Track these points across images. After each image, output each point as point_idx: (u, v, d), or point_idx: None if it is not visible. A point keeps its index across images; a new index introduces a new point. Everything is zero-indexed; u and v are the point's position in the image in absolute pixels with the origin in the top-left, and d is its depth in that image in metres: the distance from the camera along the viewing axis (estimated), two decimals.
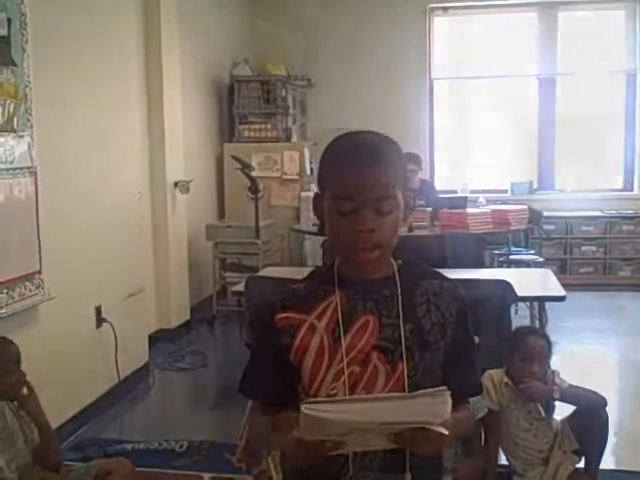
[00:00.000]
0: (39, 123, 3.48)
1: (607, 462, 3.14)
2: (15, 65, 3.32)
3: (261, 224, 6.03)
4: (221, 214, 6.98)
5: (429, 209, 5.30)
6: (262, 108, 7.08)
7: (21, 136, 3.36)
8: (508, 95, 8.08)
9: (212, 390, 5.01)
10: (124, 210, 4.55)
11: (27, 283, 3.44)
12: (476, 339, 1.59)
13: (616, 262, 7.35)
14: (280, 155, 6.80)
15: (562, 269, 7.16)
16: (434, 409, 1.28)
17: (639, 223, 7.32)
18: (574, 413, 2.96)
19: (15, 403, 2.64)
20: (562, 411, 3.01)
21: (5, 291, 3.27)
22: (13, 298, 3.32)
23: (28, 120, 3.41)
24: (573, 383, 2.92)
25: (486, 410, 2.90)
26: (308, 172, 6.83)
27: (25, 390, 2.66)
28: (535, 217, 5.72)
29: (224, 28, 7.06)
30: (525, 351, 2.89)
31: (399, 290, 1.44)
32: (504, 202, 6.46)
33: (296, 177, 6.80)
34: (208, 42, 6.60)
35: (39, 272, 3.51)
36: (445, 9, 7.88)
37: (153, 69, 5.37)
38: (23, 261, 3.42)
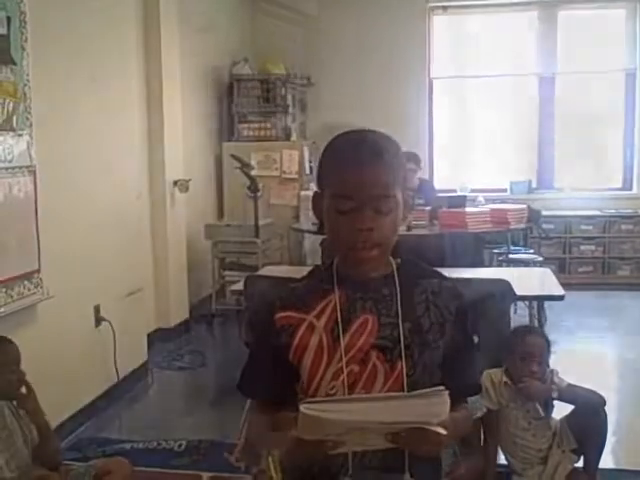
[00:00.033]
0: (38, 122, 3.48)
1: (606, 461, 3.13)
2: (14, 64, 3.31)
3: (260, 223, 6.02)
4: (220, 213, 6.97)
5: (428, 208, 5.30)
6: (261, 107, 7.08)
7: (20, 135, 3.36)
8: (507, 94, 8.07)
9: (211, 389, 5.00)
10: (123, 209, 4.55)
11: (26, 282, 3.43)
12: (475, 338, 1.60)
13: (615, 261, 7.35)
14: (279, 154, 6.79)
15: (561, 268, 7.15)
16: (432, 409, 1.28)
17: (638, 222, 7.32)
18: (573, 412, 2.96)
19: (14, 402, 2.64)
20: (561, 410, 3.01)
21: (4, 290, 3.26)
22: (12, 297, 3.32)
23: (27, 119, 3.41)
24: (572, 382, 2.92)
25: (485, 409, 2.90)
26: (307, 171, 6.82)
27: (24, 389, 2.65)
28: (534, 216, 5.72)
29: (224, 27, 7.05)
30: (524, 350, 2.89)
31: (398, 289, 1.44)
32: (503, 201, 6.45)
33: (295, 176, 6.79)
34: (208, 41, 6.59)
35: (38, 271, 3.51)
36: (445, 8, 7.88)
37: (153, 68, 5.37)
38: (22, 260, 3.42)
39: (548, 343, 2.96)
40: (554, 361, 3.04)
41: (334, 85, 7.66)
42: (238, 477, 3.26)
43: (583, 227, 7.36)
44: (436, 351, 1.44)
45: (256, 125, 7.02)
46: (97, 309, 4.21)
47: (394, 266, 1.47)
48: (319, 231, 1.47)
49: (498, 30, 7.96)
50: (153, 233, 5.45)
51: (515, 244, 6.43)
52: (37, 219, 3.48)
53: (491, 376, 2.95)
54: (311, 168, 6.80)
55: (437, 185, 7.06)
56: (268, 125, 7.02)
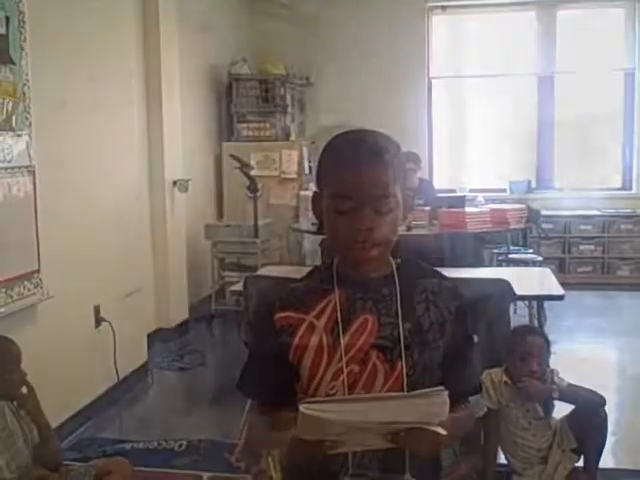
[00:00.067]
0: (37, 122, 3.48)
1: (606, 461, 3.13)
2: (13, 63, 3.31)
3: (260, 223, 6.03)
4: (220, 213, 6.97)
5: (428, 208, 5.30)
6: (261, 107, 7.08)
7: (19, 135, 3.36)
8: (507, 94, 8.07)
9: (211, 389, 5.00)
10: (123, 209, 4.55)
11: (26, 282, 3.43)
12: (475, 338, 1.60)
13: (614, 261, 7.35)
14: (279, 154, 6.79)
15: (561, 268, 7.16)
16: (432, 409, 1.28)
17: (637, 222, 7.32)
18: (573, 412, 2.96)
19: (15, 403, 2.64)
20: (561, 410, 3.01)
21: (4, 290, 3.26)
22: (12, 297, 3.32)
23: (26, 119, 3.41)
24: (572, 382, 2.93)
25: (485, 409, 2.91)
26: (307, 171, 6.82)
27: (25, 389, 2.66)
28: (534, 216, 5.72)
29: (223, 27, 7.04)
30: (524, 350, 2.89)
31: (398, 289, 1.44)
32: (502, 201, 6.46)
33: (295, 176, 6.79)
34: (207, 41, 6.59)
35: (37, 271, 3.51)
36: (444, 8, 7.88)
37: (152, 68, 5.37)
38: (21, 260, 3.42)
39: (548, 343, 2.96)
40: (554, 361, 3.04)
41: (333, 85, 7.67)
42: (238, 477, 3.26)
43: (582, 227, 7.36)
44: (436, 351, 1.44)
45: (255, 125, 7.03)
46: (97, 309, 4.21)
47: (394, 266, 1.47)
48: (318, 231, 1.46)
49: (497, 30, 7.96)
50: (153, 233, 5.45)
51: (515, 244, 6.43)
52: (37, 219, 3.48)
53: (491, 376, 2.95)
54: (310, 168, 6.80)
55: (437, 185, 7.06)
56: (267, 125, 7.02)
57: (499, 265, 6.04)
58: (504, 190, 7.68)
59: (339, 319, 1.42)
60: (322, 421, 1.25)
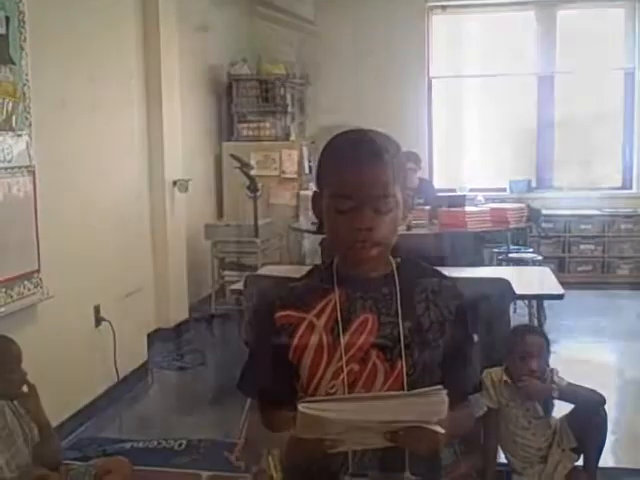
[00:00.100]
0: (37, 122, 3.48)
1: (606, 460, 3.14)
2: (13, 63, 3.31)
3: (260, 223, 6.02)
4: (220, 213, 6.97)
5: (428, 208, 5.31)
6: (260, 107, 7.07)
7: (19, 135, 3.36)
8: (507, 93, 8.07)
9: (211, 389, 5.00)
10: (123, 209, 4.55)
11: (26, 282, 3.43)
12: (475, 337, 1.60)
13: (614, 260, 7.35)
14: (279, 154, 6.79)
15: (560, 267, 7.16)
16: (431, 408, 1.28)
17: (637, 221, 7.32)
18: (573, 411, 2.96)
19: (15, 402, 2.64)
20: (561, 409, 3.01)
21: (4, 290, 3.27)
22: (12, 297, 3.32)
23: (26, 119, 3.41)
24: (571, 381, 2.93)
25: (485, 408, 2.91)
26: (307, 171, 6.82)
27: (25, 388, 2.66)
28: (533, 215, 5.73)
29: (223, 26, 7.04)
30: (523, 349, 2.89)
31: (398, 288, 1.44)
32: (502, 200, 6.46)
33: (295, 176, 6.79)
34: (206, 41, 6.59)
35: (37, 271, 3.51)
36: (444, 7, 7.88)
37: (152, 68, 5.36)
38: (21, 260, 3.42)
39: (547, 342, 2.96)
40: (554, 360, 3.04)
41: (333, 85, 7.66)
42: (238, 476, 3.26)
43: (582, 226, 7.36)
44: (436, 350, 1.44)
45: (255, 125, 7.02)
46: (97, 309, 4.21)
47: (394, 265, 1.47)
48: (318, 231, 1.46)
49: (497, 29, 7.96)
50: (153, 233, 5.45)
51: (515, 243, 6.43)
52: (37, 219, 3.49)
53: (491, 375, 2.95)
54: (310, 168, 6.80)
55: (436, 184, 7.06)
56: (267, 125, 7.02)
57: (499, 264, 6.04)
58: (504, 189, 7.68)
59: (339, 318, 1.42)
60: (322, 420, 1.25)
